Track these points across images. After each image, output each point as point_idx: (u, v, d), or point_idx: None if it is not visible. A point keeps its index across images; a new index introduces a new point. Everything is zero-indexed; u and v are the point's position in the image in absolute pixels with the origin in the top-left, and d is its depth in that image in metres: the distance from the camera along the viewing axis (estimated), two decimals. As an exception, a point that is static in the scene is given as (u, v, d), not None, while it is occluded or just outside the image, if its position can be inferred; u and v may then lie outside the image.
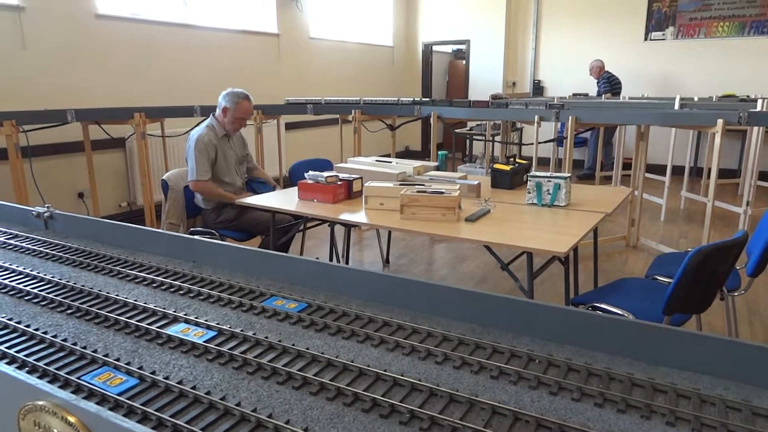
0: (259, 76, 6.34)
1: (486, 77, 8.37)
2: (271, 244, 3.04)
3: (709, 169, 4.88)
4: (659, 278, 2.42)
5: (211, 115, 3.36)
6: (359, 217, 2.55)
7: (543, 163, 5.39)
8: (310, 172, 2.84)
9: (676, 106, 4.33)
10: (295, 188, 2.95)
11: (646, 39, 7.36)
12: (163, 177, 3.44)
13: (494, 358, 0.92)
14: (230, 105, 3.24)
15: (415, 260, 4.34)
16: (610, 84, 7.01)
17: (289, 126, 6.54)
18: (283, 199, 2.93)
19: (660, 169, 5.66)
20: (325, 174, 2.81)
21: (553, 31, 8.01)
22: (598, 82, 7.18)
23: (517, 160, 3.24)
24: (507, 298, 1.00)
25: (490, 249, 2.32)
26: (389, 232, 4.11)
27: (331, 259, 3.79)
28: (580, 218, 2.39)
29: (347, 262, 3.87)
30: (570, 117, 3.99)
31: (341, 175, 2.86)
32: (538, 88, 7.92)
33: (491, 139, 6.24)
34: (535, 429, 0.74)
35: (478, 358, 0.91)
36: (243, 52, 6.14)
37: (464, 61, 9.03)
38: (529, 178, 2.64)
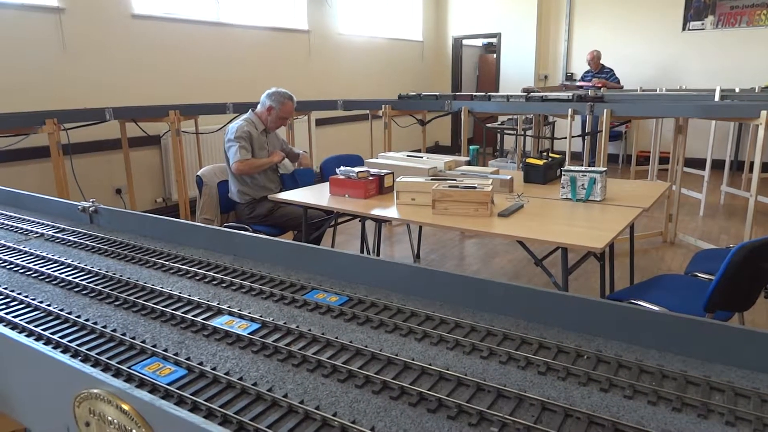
0: (289, 73, 6.39)
1: (517, 70, 8.25)
2: (304, 238, 3.06)
3: (752, 163, 4.71)
4: (700, 275, 2.35)
5: (250, 110, 3.39)
6: (390, 212, 2.55)
7: (576, 157, 5.30)
8: (342, 168, 2.85)
9: (717, 98, 4.19)
10: (327, 184, 2.96)
11: (684, 29, 7.14)
12: (198, 173, 3.50)
13: (541, 353, 0.90)
14: (275, 104, 3.27)
15: (446, 256, 4.32)
16: (607, 76, 6.95)
17: (320, 122, 6.56)
18: (315, 195, 2.95)
19: (698, 163, 5.50)
20: (357, 169, 2.81)
21: (587, 22, 7.85)
22: (597, 74, 7.05)
23: (550, 154, 3.19)
24: (553, 293, 0.98)
25: (524, 244, 2.29)
26: (420, 228, 4.09)
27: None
28: (617, 213, 2.34)
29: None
30: (605, 110, 3.90)
31: (372, 171, 2.86)
32: (570, 81, 7.77)
33: (523, 133, 6.16)
34: (587, 426, 0.73)
35: (524, 353, 0.89)
36: (274, 49, 6.19)
37: (495, 55, 8.92)
38: (563, 173, 2.59)
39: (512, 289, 1.03)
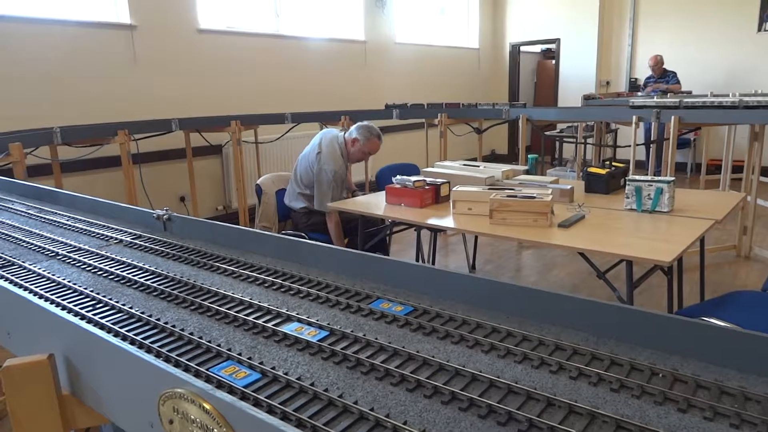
0: (345, 82, 6.51)
1: (577, 77, 8.08)
2: (359, 246, 3.11)
3: (836, 173, 4.42)
4: (780, 292, 2.24)
5: (342, 134, 3.40)
6: (447, 221, 2.56)
7: (640, 166, 5.13)
8: (398, 177, 2.88)
9: (797, 103, 3.96)
10: (383, 192, 3.00)
11: (760, 29, 6.80)
12: (258, 182, 3.61)
13: (613, 370, 0.89)
14: (362, 138, 3.31)
15: (503, 267, 4.27)
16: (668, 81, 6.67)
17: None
18: (371, 203, 2.99)
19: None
20: (413, 178, 2.84)
21: (652, 23, 7.60)
22: (659, 79, 6.77)
23: (613, 163, 3.11)
24: (626, 309, 0.97)
25: (585, 256, 2.25)
26: (476, 238, 4.07)
27: (417, 264, 3.81)
28: (686, 225, 2.26)
29: (433, 267, 3.87)
30: (672, 117, 3.77)
31: (428, 180, 2.88)
32: (634, 87, 7.54)
33: (583, 141, 6.02)
34: (665, 446, 0.72)
35: (595, 369, 0.89)
36: (330, 59, 6.33)
37: (554, 61, 8.78)
38: (627, 182, 2.53)
39: (582, 303, 1.02)
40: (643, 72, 7.53)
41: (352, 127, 3.40)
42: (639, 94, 7.04)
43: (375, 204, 2.96)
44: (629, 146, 4.18)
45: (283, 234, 1.53)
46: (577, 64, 8.12)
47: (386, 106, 5.38)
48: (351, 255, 1.35)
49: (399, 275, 1.26)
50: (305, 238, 3.34)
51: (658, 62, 6.83)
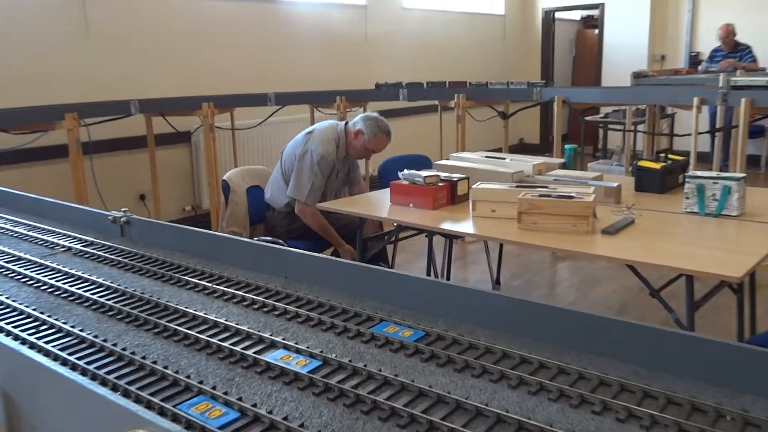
0: (341, 57, 6.52)
1: (625, 50, 8.07)
2: (358, 256, 3.11)
3: None
4: None
5: (344, 122, 3.42)
6: (465, 226, 2.56)
7: (703, 159, 5.13)
8: (405, 171, 2.88)
9: None
10: (387, 190, 3.00)
11: None
12: (224, 177, 3.57)
13: (669, 410, 0.90)
14: (367, 133, 3.31)
15: (533, 282, 4.27)
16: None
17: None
18: (372, 204, 2.99)
19: None
20: (424, 173, 2.84)
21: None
22: (729, 53, 6.77)
23: (669, 155, 3.12)
24: (684, 335, 0.97)
25: (635, 269, 2.24)
26: (500, 246, 4.07)
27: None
28: (760, 232, 2.26)
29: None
30: (743, 99, 3.77)
31: (442, 175, 2.88)
32: (695, 63, 7.53)
33: (633, 128, 6.02)
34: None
35: (648, 409, 0.89)
36: (324, 28, 6.35)
37: (596, 31, 8.78)
38: (687, 180, 2.54)
39: (631, 329, 1.02)
40: (706, 44, 7.52)
41: (358, 117, 3.40)
42: (700, 70, 7.03)
43: (377, 204, 2.96)
44: (689, 135, 4.18)
45: (257, 241, 1.54)
46: (625, 34, 8.11)
47: (377, 86, 5.37)
48: (349, 267, 1.36)
49: (407, 292, 1.27)
50: (283, 246, 3.33)
51: (729, 32, 6.81)
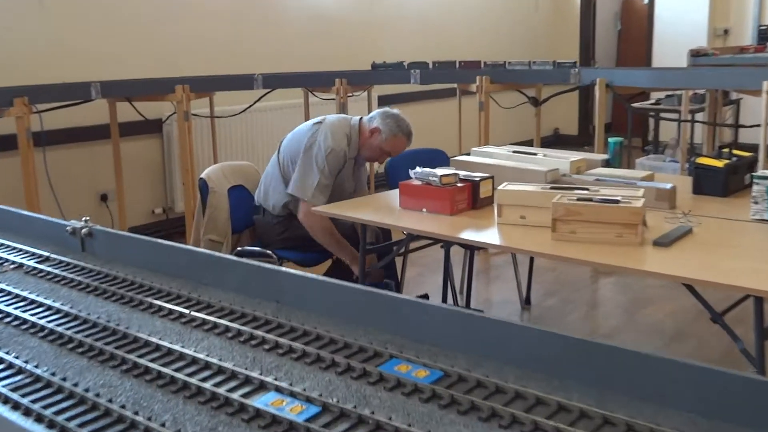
0: (346, 34, 6.51)
1: (681, 24, 8.06)
2: (360, 273, 3.11)
3: None
4: None
5: (359, 118, 3.44)
6: (488, 236, 2.57)
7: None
8: (418, 169, 2.89)
9: None
10: (395, 192, 3.00)
11: None
12: (202, 175, 3.56)
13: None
14: (385, 132, 3.32)
15: (571, 302, 4.27)
16: None
17: (384, 99, 6.65)
18: (378, 208, 2.99)
19: None
20: (440, 172, 2.84)
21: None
22: None
23: (734, 151, 3.12)
24: (750, 379, 0.97)
25: (693, 289, 2.24)
26: (531, 260, 4.07)
27: (444, 296, 3.82)
28: None
29: (468, 302, 3.89)
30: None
31: (462, 174, 2.89)
32: (764, 39, 7.51)
33: (690, 118, 6.02)
34: None
35: (709, 469, 0.89)
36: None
37: (646, 1, 8.78)
38: (755, 180, 2.55)
39: (686, 370, 1.02)
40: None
41: (375, 112, 3.42)
42: None
43: (384, 208, 2.96)
44: (758, 126, 4.18)
45: (238, 252, 1.55)
46: (681, 4, 8.12)
47: (373, 66, 5.36)
48: (349, 291, 1.36)
49: (422, 323, 1.27)
50: (272, 259, 3.31)
51: None
